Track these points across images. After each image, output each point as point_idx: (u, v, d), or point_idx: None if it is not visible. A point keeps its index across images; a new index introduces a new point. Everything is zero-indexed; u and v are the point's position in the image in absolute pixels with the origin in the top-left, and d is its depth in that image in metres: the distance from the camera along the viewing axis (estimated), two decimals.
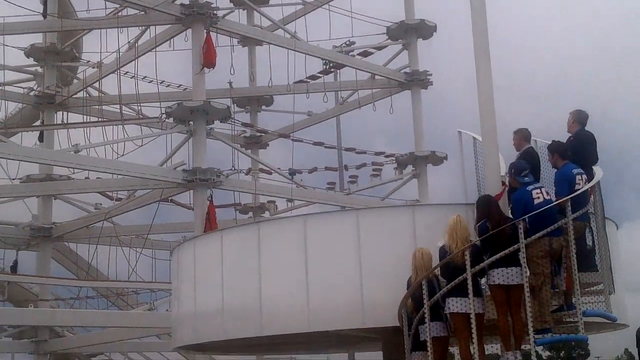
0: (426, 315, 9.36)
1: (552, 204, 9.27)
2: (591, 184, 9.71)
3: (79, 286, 24.27)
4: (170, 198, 23.44)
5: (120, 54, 22.99)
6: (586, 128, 10.53)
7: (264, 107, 28.64)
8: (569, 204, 9.16)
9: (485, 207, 9.55)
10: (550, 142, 10.47)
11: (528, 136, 10.72)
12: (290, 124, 28.11)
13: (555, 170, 10.14)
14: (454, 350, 9.94)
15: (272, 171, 24.14)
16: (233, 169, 24.40)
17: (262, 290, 11.54)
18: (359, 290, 10.79)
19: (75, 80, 27.47)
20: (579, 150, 10.17)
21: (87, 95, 26.18)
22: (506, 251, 8.99)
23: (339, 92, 27.09)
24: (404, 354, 9.93)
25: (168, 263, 16.13)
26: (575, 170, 9.79)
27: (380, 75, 25.21)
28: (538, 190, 9.49)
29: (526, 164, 9.92)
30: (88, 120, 25.22)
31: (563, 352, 64.77)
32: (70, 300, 24.79)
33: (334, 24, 25.16)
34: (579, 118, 10.50)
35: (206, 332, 12.64)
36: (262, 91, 27.03)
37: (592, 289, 9.87)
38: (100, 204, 25.86)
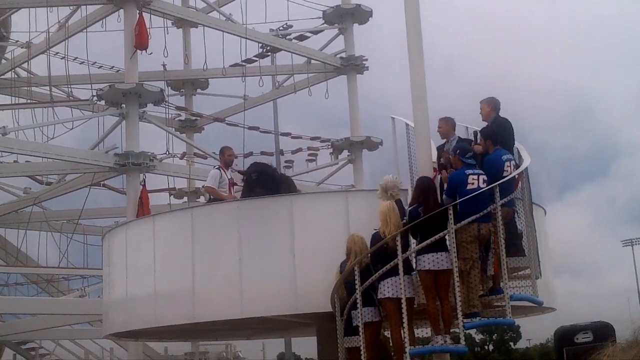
0: (358, 301, 9.41)
1: (479, 191, 9.37)
2: (519, 170, 9.89)
3: (8, 272, 23.70)
4: (102, 182, 23.00)
5: (50, 33, 22.40)
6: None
7: (199, 90, 28.25)
8: (498, 190, 9.31)
9: (423, 192, 9.54)
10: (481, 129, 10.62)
11: (498, 105, 10.73)
12: (225, 108, 27.89)
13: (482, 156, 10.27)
14: (388, 333, 10.03)
15: (207, 155, 23.87)
16: (167, 153, 24.10)
17: (194, 276, 11.46)
18: (293, 275, 10.83)
19: (3, 61, 26.64)
20: (502, 136, 10.28)
21: (16, 76, 25.46)
22: (435, 237, 9.09)
23: (275, 76, 26.94)
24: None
25: (100, 249, 15.87)
26: (505, 157, 9.93)
27: (316, 60, 25.13)
28: (475, 177, 9.51)
29: (471, 148, 10.05)
30: (16, 102, 24.57)
31: (495, 334, 66.40)
32: None
33: (270, 6, 24.95)
34: (495, 105, 10.69)
35: (138, 319, 12.49)
36: (197, 74, 26.64)
37: (519, 273, 10.08)
38: (30, 189, 25.28)
